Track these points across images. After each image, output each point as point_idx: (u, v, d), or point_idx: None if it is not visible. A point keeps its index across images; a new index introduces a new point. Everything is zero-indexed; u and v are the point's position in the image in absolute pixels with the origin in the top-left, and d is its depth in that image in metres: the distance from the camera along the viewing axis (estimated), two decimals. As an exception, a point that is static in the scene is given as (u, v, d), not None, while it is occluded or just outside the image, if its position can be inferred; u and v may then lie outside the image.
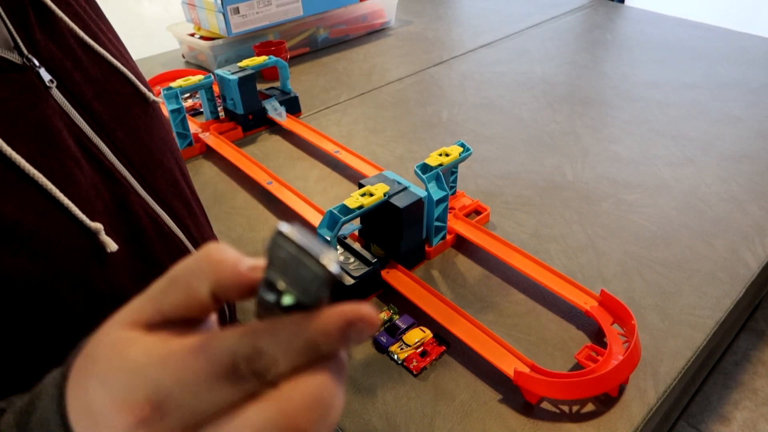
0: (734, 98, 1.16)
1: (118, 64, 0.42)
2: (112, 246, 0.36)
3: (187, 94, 1.22)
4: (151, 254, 0.41)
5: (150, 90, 0.45)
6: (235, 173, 0.95)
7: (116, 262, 0.38)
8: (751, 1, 1.67)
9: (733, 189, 0.89)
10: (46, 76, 0.35)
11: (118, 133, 0.40)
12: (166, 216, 0.43)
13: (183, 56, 1.43)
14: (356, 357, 0.63)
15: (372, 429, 0.55)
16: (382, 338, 0.63)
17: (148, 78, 1.24)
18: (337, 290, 0.65)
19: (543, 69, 1.32)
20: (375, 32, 1.56)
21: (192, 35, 1.36)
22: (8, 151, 0.32)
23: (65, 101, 0.36)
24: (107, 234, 0.36)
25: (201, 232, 0.49)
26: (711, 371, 1.35)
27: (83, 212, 0.35)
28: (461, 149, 0.75)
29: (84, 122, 0.37)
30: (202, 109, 1.11)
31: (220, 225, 0.84)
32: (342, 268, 0.68)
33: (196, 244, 0.47)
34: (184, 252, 0.45)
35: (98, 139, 0.38)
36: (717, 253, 0.76)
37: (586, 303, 0.65)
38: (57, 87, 0.36)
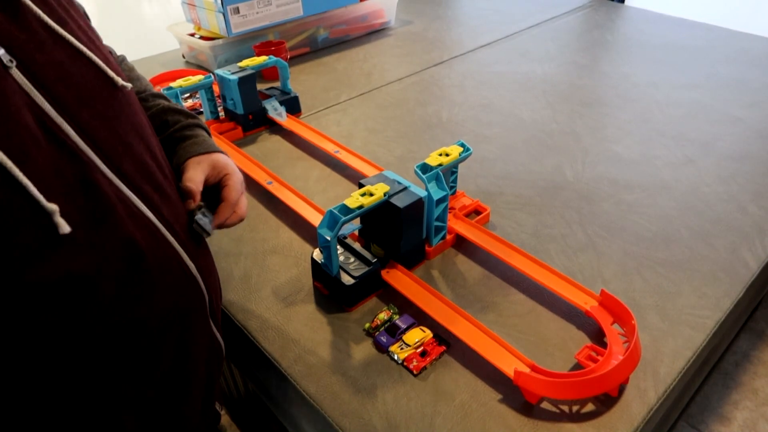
0: (734, 98, 1.16)
1: (85, 49, 0.42)
2: (64, 228, 0.36)
3: (187, 94, 1.22)
4: (121, 231, 0.41)
5: (120, 75, 0.45)
6: (235, 173, 0.95)
7: (78, 239, 0.38)
8: (751, 1, 1.67)
9: (733, 189, 0.89)
10: (5, 57, 0.35)
11: (83, 115, 0.40)
12: (136, 198, 0.43)
13: (183, 56, 1.43)
14: (356, 357, 0.63)
15: (372, 429, 0.55)
16: (382, 338, 0.63)
17: (148, 78, 1.24)
18: (337, 290, 0.67)
19: (543, 69, 1.32)
20: (375, 32, 1.56)
21: (192, 35, 1.36)
22: None
23: (26, 81, 0.36)
24: (68, 214, 0.37)
25: (175, 216, 0.49)
26: (711, 371, 1.35)
27: (40, 191, 0.35)
28: (461, 149, 0.75)
29: (46, 103, 0.37)
30: (202, 109, 1.11)
31: (220, 225, 0.84)
32: (342, 268, 0.68)
33: (170, 227, 0.47)
34: (156, 233, 0.45)
35: (61, 119, 0.38)
36: (717, 253, 0.76)
37: (586, 303, 0.65)
38: (17, 67, 0.36)
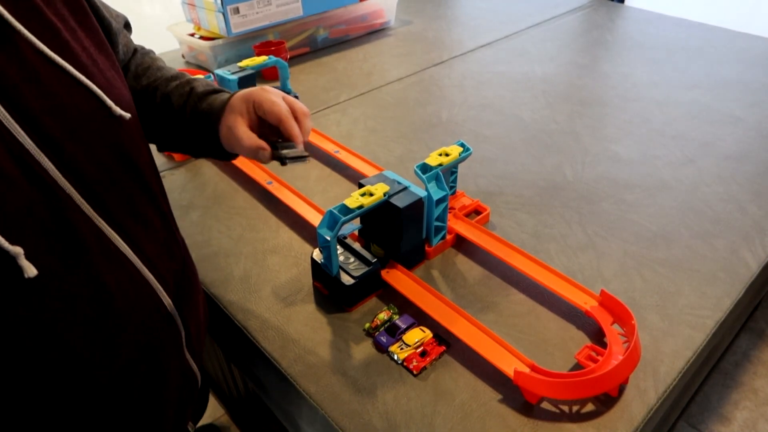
0: (734, 98, 1.16)
1: (83, 78, 0.40)
2: (30, 271, 0.35)
3: (187, 94, 1.22)
4: (93, 273, 0.40)
5: (123, 104, 0.44)
6: (235, 173, 0.95)
7: (45, 283, 0.37)
8: (751, 1, 1.67)
9: (733, 189, 0.89)
10: None
11: (67, 148, 0.39)
12: (115, 235, 0.42)
13: (183, 56, 1.43)
14: (356, 357, 0.63)
15: (372, 429, 0.55)
16: (382, 338, 0.63)
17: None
18: (337, 290, 0.67)
19: (543, 69, 1.32)
20: (375, 32, 1.56)
21: (192, 35, 1.36)
22: None
23: (7, 115, 0.35)
24: (36, 256, 0.35)
25: (158, 252, 0.48)
26: (711, 371, 1.35)
27: (4, 235, 0.34)
28: (461, 149, 0.75)
29: (27, 138, 0.36)
30: (202, 109, 1.11)
31: (220, 225, 0.84)
32: (342, 268, 0.68)
33: (150, 264, 0.46)
34: (130, 272, 0.44)
35: (41, 155, 0.37)
36: (717, 253, 0.76)
37: (586, 303, 0.65)
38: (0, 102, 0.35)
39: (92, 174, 0.41)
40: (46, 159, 0.37)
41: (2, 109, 0.35)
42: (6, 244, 0.34)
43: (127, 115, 0.44)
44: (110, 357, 0.43)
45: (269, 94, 0.54)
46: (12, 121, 0.35)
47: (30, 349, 0.38)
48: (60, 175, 0.38)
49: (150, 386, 0.49)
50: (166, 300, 0.49)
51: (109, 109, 0.42)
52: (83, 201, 0.40)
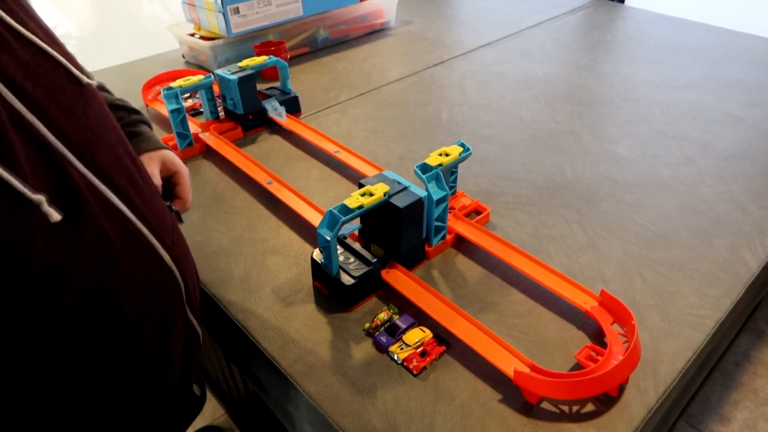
0: (734, 98, 1.16)
1: (49, 49, 0.43)
2: (55, 216, 0.37)
3: (187, 94, 1.22)
4: (94, 221, 0.42)
5: (84, 73, 0.46)
6: (235, 173, 0.95)
7: (61, 233, 0.39)
8: (751, 1, 1.67)
9: (733, 189, 0.89)
10: None
11: (52, 111, 0.41)
12: (108, 190, 0.44)
13: (183, 56, 1.43)
14: (356, 357, 0.63)
15: (372, 429, 0.55)
16: (382, 338, 0.63)
17: (147, 78, 1.24)
18: (337, 290, 0.67)
19: (543, 69, 1.32)
20: (375, 32, 1.56)
21: (192, 35, 1.36)
22: None
23: None
24: (49, 204, 0.37)
25: (149, 207, 0.50)
26: (711, 371, 1.35)
27: (23, 186, 0.36)
28: (461, 149, 0.75)
29: (16, 100, 0.38)
30: (202, 109, 1.11)
31: (220, 225, 0.84)
32: (342, 268, 0.68)
33: (143, 218, 0.48)
34: (126, 223, 0.46)
35: (31, 116, 0.39)
36: (717, 253, 0.76)
37: (586, 303, 0.65)
38: None
39: (77, 134, 0.43)
40: (36, 120, 0.39)
41: None
42: (29, 193, 0.36)
43: (94, 83, 0.47)
44: (118, 308, 0.45)
45: (188, 175, 0.71)
46: (1, 85, 0.37)
47: (48, 296, 0.39)
48: (50, 134, 0.40)
49: (159, 341, 0.51)
50: (163, 253, 0.51)
51: (77, 77, 0.45)
52: (74, 158, 0.41)
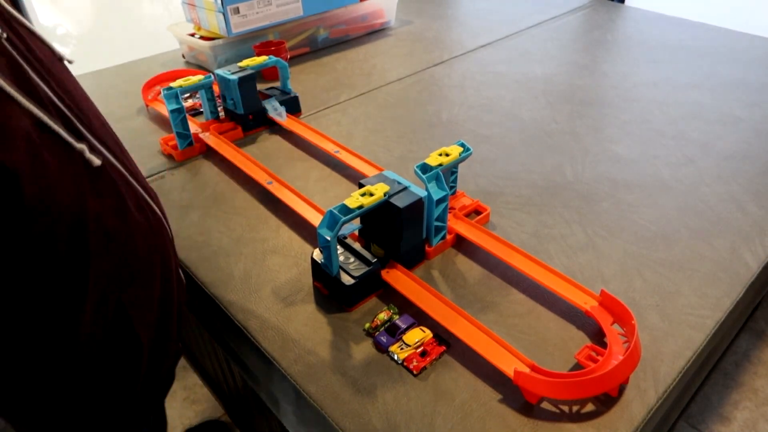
0: (734, 98, 1.16)
1: (34, 28, 0.46)
2: (95, 161, 0.44)
3: (187, 94, 1.22)
4: (110, 177, 0.48)
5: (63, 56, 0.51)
6: (235, 173, 0.95)
7: (94, 182, 0.45)
8: (751, 1, 1.67)
9: (733, 189, 0.89)
10: (2, 34, 0.40)
11: (51, 81, 0.44)
12: (106, 152, 0.49)
13: (183, 56, 1.43)
14: (356, 357, 0.63)
15: (372, 429, 0.55)
16: (382, 338, 0.63)
17: (147, 78, 1.24)
18: (337, 290, 0.67)
19: (543, 69, 1.32)
20: (375, 32, 1.56)
21: (192, 35, 1.36)
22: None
23: (12, 51, 0.41)
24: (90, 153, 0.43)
25: (135, 168, 0.55)
26: (711, 371, 1.35)
27: (69, 136, 0.41)
28: (461, 149, 0.75)
29: (28, 68, 0.42)
30: (202, 109, 1.11)
31: (220, 225, 0.84)
32: (342, 268, 0.68)
33: (135, 176, 0.53)
34: (126, 179, 0.51)
35: (38, 81, 0.42)
36: (717, 253, 0.76)
37: (586, 303, 0.65)
38: (6, 39, 0.41)
39: (71, 100, 0.47)
40: (42, 85, 0.43)
41: (8, 46, 0.40)
42: (74, 142, 0.42)
43: (73, 60, 0.51)
44: (135, 249, 0.51)
45: None
46: (16, 55, 0.41)
47: (96, 240, 0.45)
48: (54, 98, 0.44)
49: (165, 283, 0.57)
50: (154, 207, 0.56)
51: (59, 54, 0.49)
52: (73, 119, 0.45)
